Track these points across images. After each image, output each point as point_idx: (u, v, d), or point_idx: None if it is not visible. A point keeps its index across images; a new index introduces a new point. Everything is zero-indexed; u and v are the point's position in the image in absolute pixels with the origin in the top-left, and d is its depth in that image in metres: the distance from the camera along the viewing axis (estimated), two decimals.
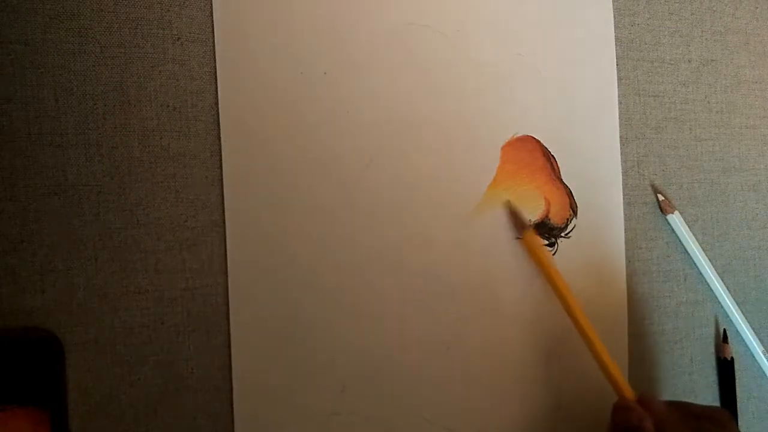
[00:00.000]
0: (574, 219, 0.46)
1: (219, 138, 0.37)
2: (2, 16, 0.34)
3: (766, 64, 0.55)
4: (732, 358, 0.50)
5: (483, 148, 0.44)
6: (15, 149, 0.34)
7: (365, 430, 0.40)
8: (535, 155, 0.45)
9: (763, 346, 0.51)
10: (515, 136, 0.45)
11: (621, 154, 0.48)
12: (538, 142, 0.45)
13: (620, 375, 0.42)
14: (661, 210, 0.49)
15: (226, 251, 0.37)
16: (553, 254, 0.45)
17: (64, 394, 0.34)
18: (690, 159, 0.51)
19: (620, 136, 0.48)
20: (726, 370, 0.50)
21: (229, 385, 0.37)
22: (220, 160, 0.37)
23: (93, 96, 0.35)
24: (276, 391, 0.38)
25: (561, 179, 0.46)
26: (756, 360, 0.52)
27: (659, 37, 0.50)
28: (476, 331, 0.43)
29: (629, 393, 0.41)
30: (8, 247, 0.34)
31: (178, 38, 0.37)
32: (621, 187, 0.48)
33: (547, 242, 0.45)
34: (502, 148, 0.44)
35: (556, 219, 0.46)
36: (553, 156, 0.46)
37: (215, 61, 0.38)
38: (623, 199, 0.48)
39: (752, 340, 0.51)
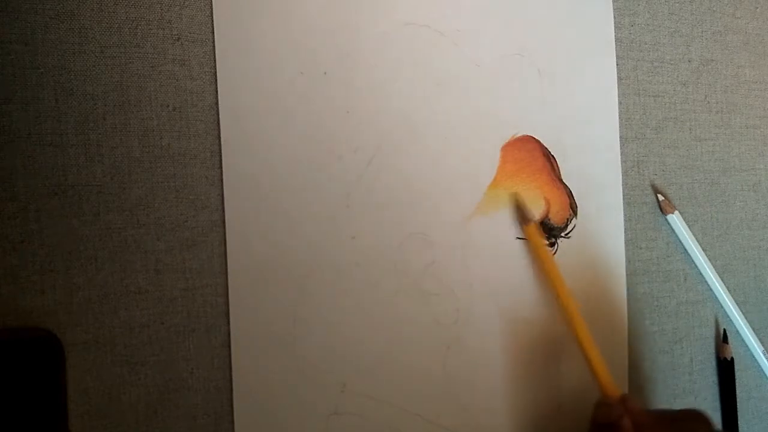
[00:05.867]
0: (574, 219, 0.46)
1: (219, 138, 0.37)
2: (2, 16, 0.34)
3: (766, 64, 0.55)
4: (732, 358, 0.50)
5: (483, 148, 0.44)
6: (15, 149, 0.34)
7: (365, 430, 0.40)
8: (535, 155, 0.45)
9: (763, 346, 0.51)
10: (515, 136, 0.45)
11: (621, 154, 0.48)
12: (538, 142, 0.45)
13: (607, 373, 0.42)
14: (661, 210, 0.49)
15: (226, 251, 0.37)
16: (553, 254, 0.45)
17: (64, 394, 0.34)
18: (690, 159, 0.51)
19: (620, 136, 0.48)
20: (726, 370, 0.50)
21: (229, 385, 0.37)
22: (220, 160, 0.37)
23: (93, 96, 0.35)
24: (276, 391, 0.38)
25: (561, 179, 0.46)
26: (756, 360, 0.52)
27: (659, 37, 0.50)
28: (476, 331, 0.43)
29: (613, 392, 0.41)
30: (8, 247, 0.34)
31: (178, 38, 0.37)
32: (621, 187, 0.48)
33: (547, 242, 0.45)
34: (502, 148, 0.44)
35: (556, 219, 0.46)
36: (553, 156, 0.46)
37: (215, 61, 0.37)
38: (623, 199, 0.48)
39: (752, 340, 0.51)
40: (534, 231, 0.44)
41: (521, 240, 0.44)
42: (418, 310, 0.41)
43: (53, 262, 0.34)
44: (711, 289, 0.51)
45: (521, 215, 0.44)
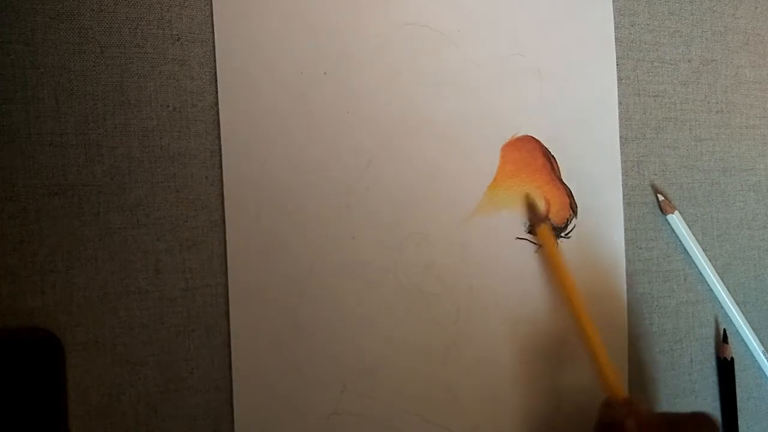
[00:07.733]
0: (574, 219, 0.46)
1: (219, 138, 0.37)
2: (2, 16, 0.34)
3: (766, 64, 0.55)
4: (732, 358, 0.50)
5: (483, 148, 0.44)
6: (15, 149, 0.34)
7: (365, 430, 0.40)
8: (535, 155, 0.45)
9: (763, 346, 0.51)
10: (515, 136, 0.45)
11: (621, 154, 0.48)
12: (538, 142, 0.45)
13: (614, 374, 0.42)
14: (661, 210, 0.49)
15: (226, 251, 0.37)
16: None
17: (64, 394, 0.34)
18: (690, 159, 0.51)
19: (620, 136, 0.48)
20: (726, 370, 0.50)
21: (229, 385, 0.37)
22: (220, 160, 0.37)
23: (93, 96, 0.35)
24: (276, 391, 0.38)
25: (561, 179, 0.46)
26: (756, 360, 0.52)
27: (659, 37, 0.50)
28: (476, 331, 0.43)
29: (620, 393, 0.41)
30: (8, 247, 0.34)
31: (178, 38, 0.37)
32: (621, 187, 0.48)
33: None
34: (502, 148, 0.44)
35: (556, 219, 0.46)
36: (553, 156, 0.46)
37: (215, 61, 0.38)
38: (623, 199, 0.48)
39: (752, 340, 0.51)
40: (546, 232, 0.44)
41: (521, 240, 0.44)
42: (418, 310, 0.41)
43: (53, 262, 0.34)
44: (711, 289, 0.51)
45: (534, 215, 0.44)
